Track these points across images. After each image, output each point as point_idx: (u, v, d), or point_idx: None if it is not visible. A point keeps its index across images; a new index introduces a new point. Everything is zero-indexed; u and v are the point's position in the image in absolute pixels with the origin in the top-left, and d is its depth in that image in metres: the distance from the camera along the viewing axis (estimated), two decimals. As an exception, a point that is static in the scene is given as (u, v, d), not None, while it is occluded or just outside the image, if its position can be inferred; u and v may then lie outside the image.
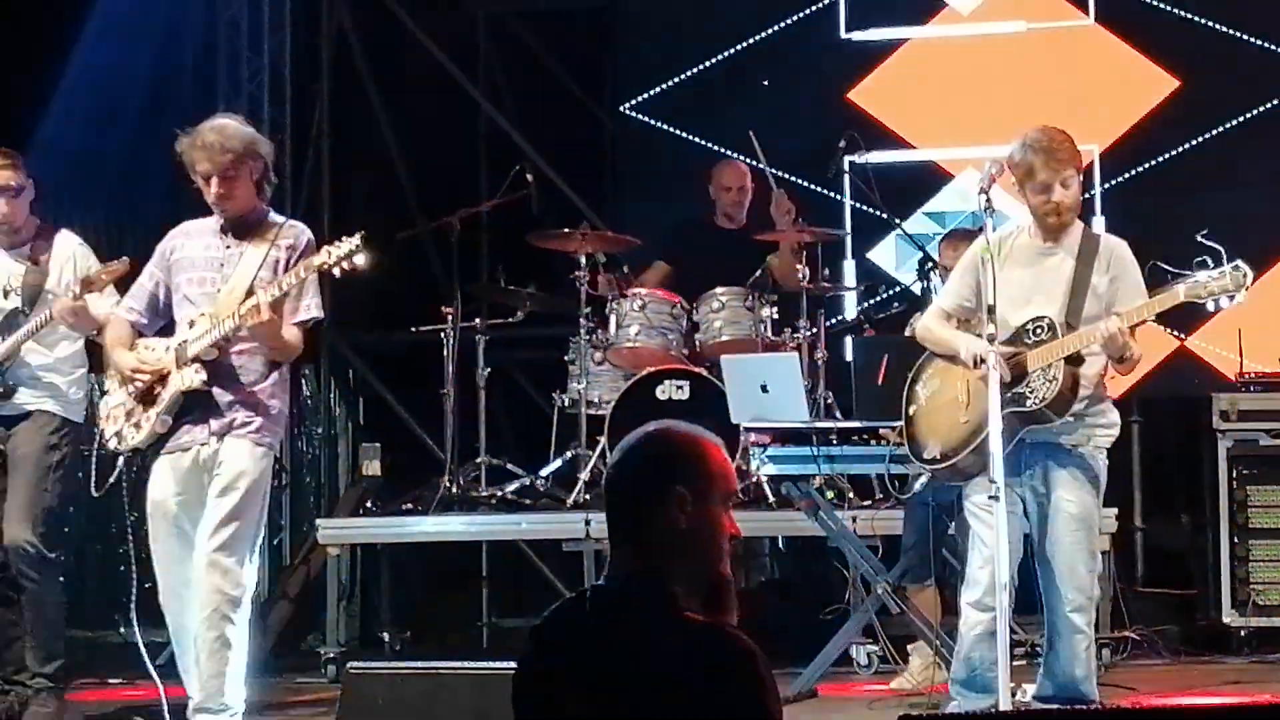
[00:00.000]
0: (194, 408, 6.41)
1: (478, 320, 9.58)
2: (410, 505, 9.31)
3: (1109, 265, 6.21)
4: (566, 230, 9.22)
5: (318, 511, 10.76)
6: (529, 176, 9.61)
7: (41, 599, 7.09)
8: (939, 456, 6.35)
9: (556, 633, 3.41)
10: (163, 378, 6.46)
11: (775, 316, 8.91)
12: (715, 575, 3.42)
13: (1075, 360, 6.10)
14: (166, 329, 6.64)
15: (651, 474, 3.41)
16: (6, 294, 7.18)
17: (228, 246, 6.53)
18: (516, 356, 10.81)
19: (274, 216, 6.67)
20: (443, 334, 9.48)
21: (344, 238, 6.24)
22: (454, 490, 9.16)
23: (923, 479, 6.91)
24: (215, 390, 6.40)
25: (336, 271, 6.22)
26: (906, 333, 7.74)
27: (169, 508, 6.43)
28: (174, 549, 6.43)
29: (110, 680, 8.44)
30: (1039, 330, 6.13)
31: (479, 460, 9.38)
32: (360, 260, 6.17)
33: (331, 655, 8.62)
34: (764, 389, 7.64)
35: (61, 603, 7.29)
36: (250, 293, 6.33)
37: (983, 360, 5.98)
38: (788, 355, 8.32)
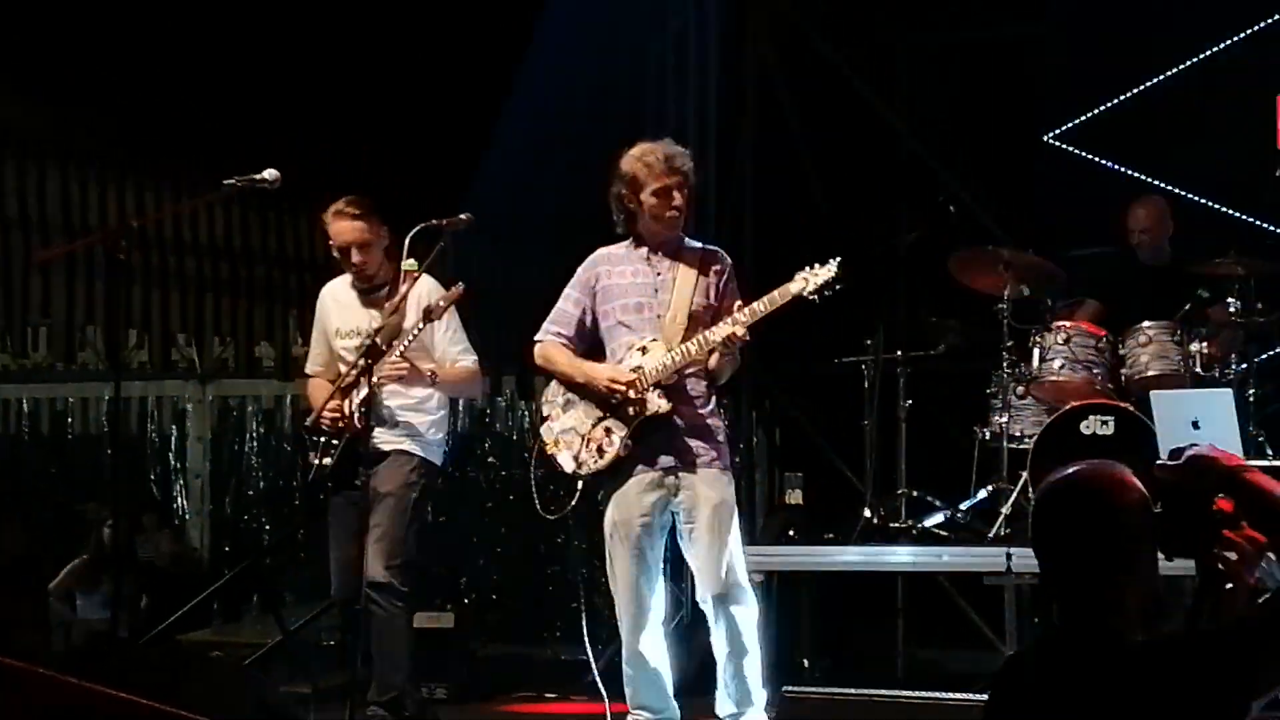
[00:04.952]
0: (654, 431, 6.61)
1: (899, 352, 9.59)
2: (831, 535, 9.36)
3: None
4: (989, 247, 9.14)
5: (739, 539, 10.86)
6: (950, 208, 9.57)
7: (386, 631, 7.25)
8: None
9: (1020, 675, 3.46)
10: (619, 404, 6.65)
11: (1205, 351, 8.68)
12: (1156, 596, 3.44)
13: None
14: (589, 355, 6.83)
15: (1110, 541, 3.44)
16: (368, 338, 7.24)
17: (658, 272, 6.68)
18: (937, 389, 10.76)
19: (689, 241, 6.82)
20: (863, 365, 9.53)
21: (817, 265, 6.41)
22: (874, 521, 9.19)
23: None
24: (674, 415, 6.58)
25: (815, 298, 6.38)
26: None
27: (632, 529, 6.62)
28: (633, 570, 6.65)
29: (547, 695, 8.80)
30: None
31: (899, 492, 9.40)
32: (838, 286, 6.33)
33: (754, 679, 8.78)
34: (1195, 425, 7.49)
35: (407, 636, 7.41)
36: (692, 317, 6.54)
37: None
38: (1221, 391, 8.14)
